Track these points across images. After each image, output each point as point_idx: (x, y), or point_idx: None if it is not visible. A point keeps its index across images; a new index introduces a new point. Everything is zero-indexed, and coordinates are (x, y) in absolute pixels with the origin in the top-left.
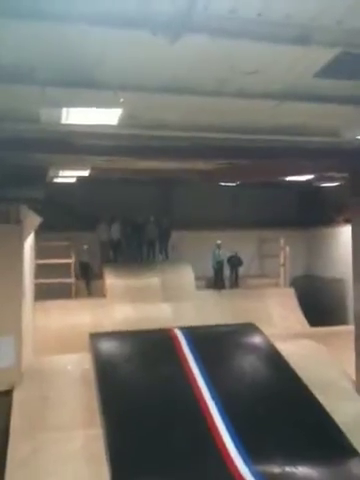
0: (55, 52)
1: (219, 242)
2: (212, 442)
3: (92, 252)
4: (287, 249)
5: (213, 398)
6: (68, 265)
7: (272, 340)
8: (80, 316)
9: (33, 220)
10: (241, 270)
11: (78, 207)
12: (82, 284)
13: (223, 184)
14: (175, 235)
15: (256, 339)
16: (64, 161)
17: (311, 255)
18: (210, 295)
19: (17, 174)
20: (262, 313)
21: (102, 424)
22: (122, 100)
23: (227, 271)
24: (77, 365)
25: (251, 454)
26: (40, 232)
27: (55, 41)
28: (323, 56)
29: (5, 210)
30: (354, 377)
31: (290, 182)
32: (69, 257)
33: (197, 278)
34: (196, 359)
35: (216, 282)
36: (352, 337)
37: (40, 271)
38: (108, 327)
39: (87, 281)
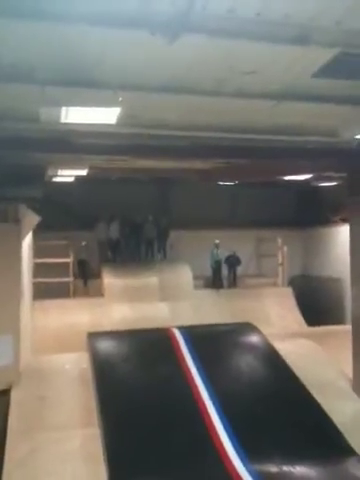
0: (55, 52)
1: (217, 241)
2: (210, 441)
3: (90, 249)
4: (285, 249)
5: (211, 397)
6: (66, 264)
7: (270, 339)
8: (78, 315)
9: (31, 219)
10: (239, 270)
11: (76, 206)
12: (80, 283)
13: (221, 184)
14: (173, 234)
15: (254, 338)
16: (63, 160)
17: (309, 255)
18: (208, 294)
19: (16, 173)
20: (260, 312)
21: (100, 424)
22: (121, 99)
23: (225, 270)
24: (75, 364)
25: (249, 453)
26: (38, 231)
27: (55, 41)
28: (322, 56)
29: (3, 209)
30: (351, 377)
31: (288, 182)
32: (67, 256)
33: (195, 277)
34: (194, 358)
35: (214, 281)
36: (349, 337)
37: (38, 270)
38: (106, 326)
39: (85, 278)
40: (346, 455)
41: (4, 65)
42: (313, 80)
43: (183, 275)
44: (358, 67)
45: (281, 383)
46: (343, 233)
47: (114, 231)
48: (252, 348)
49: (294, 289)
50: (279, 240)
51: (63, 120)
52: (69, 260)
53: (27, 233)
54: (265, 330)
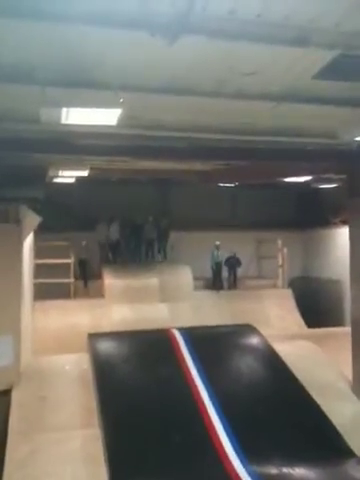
0: (55, 52)
1: (218, 243)
2: (209, 442)
3: (90, 250)
4: (285, 250)
5: (210, 398)
6: (67, 265)
7: (269, 341)
8: (79, 316)
9: (32, 220)
10: (239, 271)
11: (77, 207)
12: (81, 284)
13: (222, 185)
14: (174, 236)
15: (254, 340)
16: (63, 161)
17: (309, 256)
18: (208, 296)
19: (17, 174)
20: (260, 314)
21: (100, 424)
22: (122, 100)
23: (225, 272)
24: (75, 365)
25: (248, 454)
26: (39, 232)
27: (55, 41)
28: (321, 58)
29: (4, 210)
30: (351, 378)
31: (288, 183)
32: (68, 257)
33: (195, 279)
34: (194, 359)
35: (214, 283)
36: (349, 338)
37: (39, 271)
38: (106, 327)
39: (85, 279)
40: (345, 456)
41: (4, 65)
42: (313, 82)
43: (183, 276)
44: (358, 69)
45: (281, 384)
46: (343, 235)
47: (114, 232)
48: (252, 349)
49: (294, 291)
50: (279, 242)
51: (64, 121)
52: (70, 261)
53: (28, 234)
54: (265, 331)
